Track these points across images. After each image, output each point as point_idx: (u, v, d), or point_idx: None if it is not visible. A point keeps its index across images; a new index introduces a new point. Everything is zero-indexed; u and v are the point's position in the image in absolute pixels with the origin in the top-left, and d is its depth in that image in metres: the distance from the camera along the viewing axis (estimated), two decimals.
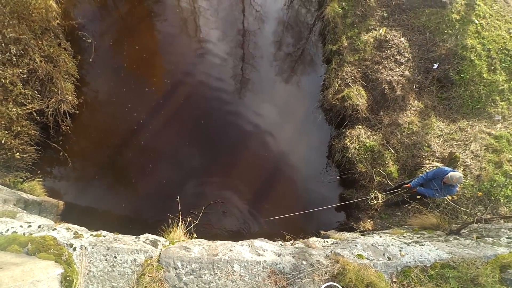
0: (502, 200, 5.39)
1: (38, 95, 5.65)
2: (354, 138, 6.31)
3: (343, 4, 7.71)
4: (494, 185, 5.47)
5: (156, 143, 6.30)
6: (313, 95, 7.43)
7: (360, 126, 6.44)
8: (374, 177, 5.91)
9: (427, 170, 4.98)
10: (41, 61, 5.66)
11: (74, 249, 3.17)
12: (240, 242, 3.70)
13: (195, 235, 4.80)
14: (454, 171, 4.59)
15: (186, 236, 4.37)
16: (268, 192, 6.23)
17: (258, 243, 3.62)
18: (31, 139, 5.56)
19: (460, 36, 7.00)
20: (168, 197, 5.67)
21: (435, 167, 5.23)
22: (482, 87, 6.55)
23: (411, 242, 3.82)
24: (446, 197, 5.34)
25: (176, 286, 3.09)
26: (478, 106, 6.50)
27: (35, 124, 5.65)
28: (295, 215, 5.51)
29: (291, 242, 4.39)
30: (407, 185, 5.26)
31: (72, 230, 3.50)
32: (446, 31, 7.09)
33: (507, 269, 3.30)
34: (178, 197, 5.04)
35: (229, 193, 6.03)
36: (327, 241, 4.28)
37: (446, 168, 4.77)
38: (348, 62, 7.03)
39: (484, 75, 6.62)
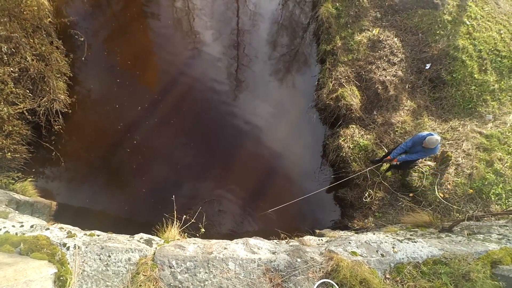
0: (492, 198, 5.48)
1: (30, 94, 5.57)
2: (348, 137, 6.36)
3: (337, 4, 7.77)
4: (485, 183, 5.56)
5: (150, 142, 6.27)
6: (307, 94, 7.46)
7: (354, 126, 6.50)
8: (368, 176, 5.97)
9: (407, 141, 5.20)
10: (32, 60, 5.58)
11: (68, 248, 3.14)
12: (235, 240, 3.71)
13: (203, 230, 4.84)
14: (432, 135, 4.83)
15: (181, 235, 4.35)
16: (263, 191, 6.25)
17: (253, 241, 3.63)
18: (23, 138, 5.48)
19: (452, 37, 7.10)
20: (163, 196, 5.65)
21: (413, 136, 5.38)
22: (473, 87, 6.65)
23: (404, 239, 3.86)
24: (438, 195, 5.45)
25: (171, 284, 3.08)
26: (470, 105, 6.60)
27: (26, 124, 5.57)
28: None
29: (286, 240, 4.42)
30: (388, 157, 5.50)
31: (65, 230, 3.46)
32: (438, 32, 7.18)
33: (497, 265, 3.37)
34: (173, 196, 5.02)
35: (224, 192, 6.03)
36: (321, 239, 4.31)
37: (422, 133, 5.02)
38: (342, 62, 7.09)
39: (475, 75, 6.72)
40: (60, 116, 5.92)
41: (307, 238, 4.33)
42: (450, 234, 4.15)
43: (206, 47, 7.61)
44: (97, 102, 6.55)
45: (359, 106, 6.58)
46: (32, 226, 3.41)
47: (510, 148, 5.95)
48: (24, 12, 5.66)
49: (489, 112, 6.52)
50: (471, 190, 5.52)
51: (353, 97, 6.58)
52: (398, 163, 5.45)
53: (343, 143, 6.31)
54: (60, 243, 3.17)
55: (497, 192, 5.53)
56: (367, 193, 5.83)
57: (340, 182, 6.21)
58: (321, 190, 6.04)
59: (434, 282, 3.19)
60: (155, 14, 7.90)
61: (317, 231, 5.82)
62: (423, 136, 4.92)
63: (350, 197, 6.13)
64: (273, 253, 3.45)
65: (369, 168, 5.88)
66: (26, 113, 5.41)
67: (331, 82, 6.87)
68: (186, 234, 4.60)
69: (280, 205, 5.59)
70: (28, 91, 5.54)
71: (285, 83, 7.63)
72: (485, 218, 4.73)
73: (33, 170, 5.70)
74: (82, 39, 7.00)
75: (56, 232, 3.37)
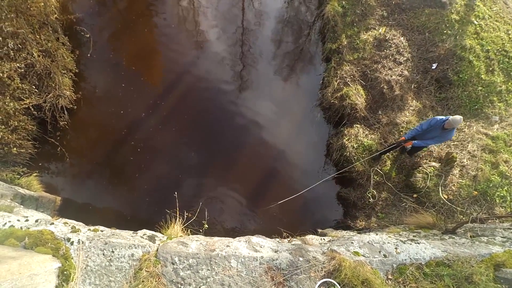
0: (497, 200, 5.43)
1: (36, 90, 5.60)
2: (352, 136, 6.34)
3: (343, 2, 7.71)
4: (490, 186, 5.51)
5: (154, 139, 6.29)
6: (312, 93, 7.43)
7: (358, 125, 6.46)
8: (372, 176, 5.95)
9: (421, 123, 5.21)
10: (38, 56, 5.61)
11: (72, 243, 3.17)
12: (237, 238, 3.72)
13: (206, 226, 4.86)
14: (453, 116, 4.79)
15: (184, 231, 4.37)
16: (266, 189, 6.25)
17: (255, 239, 3.64)
18: (28, 134, 5.52)
19: (459, 36, 7.02)
20: (166, 193, 5.66)
21: (427, 119, 5.40)
22: (480, 88, 6.58)
23: (407, 240, 3.85)
24: (442, 197, 5.42)
25: (174, 281, 3.10)
26: (476, 106, 6.53)
27: (32, 119, 5.60)
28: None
29: (288, 239, 4.42)
30: (402, 138, 5.48)
31: (69, 225, 3.49)
32: (445, 31, 7.10)
33: (501, 267, 3.35)
34: (176, 193, 5.04)
35: (227, 190, 6.05)
36: (323, 239, 4.31)
37: (439, 117, 4.98)
38: (348, 61, 7.04)
39: (482, 76, 6.65)
40: (66, 112, 5.96)
41: (310, 237, 4.33)
42: (453, 236, 4.13)
43: (211, 44, 7.60)
44: (102, 99, 6.58)
45: (364, 106, 6.54)
46: (36, 221, 3.44)
47: None
48: (31, 8, 5.69)
49: (495, 113, 6.45)
50: (476, 192, 5.48)
51: (358, 96, 6.54)
52: (410, 147, 5.44)
53: (347, 142, 6.29)
54: (64, 238, 3.20)
55: (502, 194, 5.48)
56: (370, 193, 5.82)
57: (344, 180, 6.23)
58: (324, 180, 6.04)
59: (436, 284, 3.17)
60: (161, 11, 7.90)
61: (320, 230, 5.81)
62: (442, 120, 4.86)
63: (353, 197, 6.11)
64: (275, 251, 3.46)
65: (373, 155, 5.95)
66: (32, 109, 5.45)
67: (336, 81, 6.83)
68: (189, 230, 4.62)
69: (282, 204, 5.59)
70: (34, 86, 5.57)
71: (290, 82, 7.61)
72: (489, 221, 4.68)
73: (39, 165, 5.76)
74: (88, 35, 7.02)
75: (61, 227, 3.40)
